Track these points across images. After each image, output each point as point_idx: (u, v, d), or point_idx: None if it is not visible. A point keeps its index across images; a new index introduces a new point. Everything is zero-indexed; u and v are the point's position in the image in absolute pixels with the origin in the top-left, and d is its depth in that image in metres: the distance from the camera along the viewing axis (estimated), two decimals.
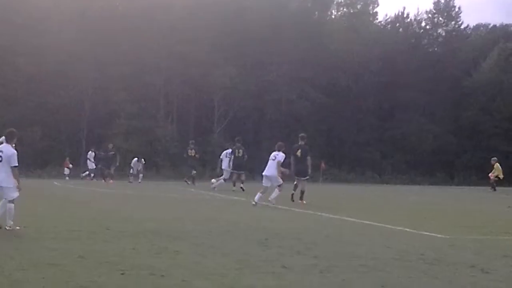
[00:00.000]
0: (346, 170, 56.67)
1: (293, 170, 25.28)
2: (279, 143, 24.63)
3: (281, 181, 23.69)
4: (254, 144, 53.40)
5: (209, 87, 55.34)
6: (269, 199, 23.15)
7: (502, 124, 60.08)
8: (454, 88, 62.62)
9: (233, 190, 32.35)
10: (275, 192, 23.46)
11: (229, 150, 34.48)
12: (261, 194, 23.00)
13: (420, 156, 60.28)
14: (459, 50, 66.15)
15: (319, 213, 20.36)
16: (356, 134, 59.32)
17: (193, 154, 38.26)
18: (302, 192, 24.69)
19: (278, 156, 23.86)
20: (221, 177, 34.18)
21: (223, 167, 34.24)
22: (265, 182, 23.77)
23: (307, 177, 25.42)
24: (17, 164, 13.93)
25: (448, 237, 14.84)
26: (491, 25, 74.63)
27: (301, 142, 25.63)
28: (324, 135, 58.60)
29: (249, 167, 38.70)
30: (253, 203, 22.62)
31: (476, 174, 57.88)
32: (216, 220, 17.38)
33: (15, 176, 14.01)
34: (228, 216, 18.97)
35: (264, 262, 10.64)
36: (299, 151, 25.27)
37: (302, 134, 26.26)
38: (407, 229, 16.10)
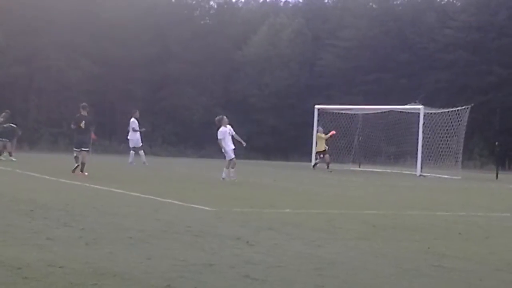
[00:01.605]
0: (117, 141, 56.20)
1: (76, 142, 24.74)
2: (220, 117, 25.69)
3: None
4: (22, 112, 51.91)
5: None
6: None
7: (270, 99, 61.78)
8: (225, 61, 63.40)
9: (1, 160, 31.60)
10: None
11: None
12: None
13: (190, 128, 60.85)
14: (230, 23, 67.11)
15: (88, 185, 20.12)
16: (128, 104, 58.80)
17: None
18: (83, 164, 24.13)
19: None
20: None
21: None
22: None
23: (88, 148, 25.08)
24: None
25: (215, 209, 15.13)
26: None
27: (83, 113, 24.87)
28: (96, 105, 57.74)
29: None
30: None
31: (245, 148, 59.36)
32: None
33: None
34: None
35: (29, 234, 10.41)
36: (84, 122, 24.60)
37: (84, 104, 25.40)
38: (175, 202, 16.27)
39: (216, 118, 25.73)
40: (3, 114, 34.34)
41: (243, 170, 27.28)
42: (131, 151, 33.77)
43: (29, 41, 54.65)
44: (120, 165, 33.56)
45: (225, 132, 25.19)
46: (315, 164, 38.80)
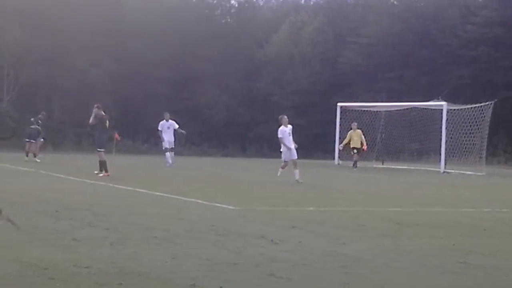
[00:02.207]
0: (140, 141, 56.42)
1: (100, 141, 24.58)
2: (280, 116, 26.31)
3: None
4: (46, 113, 52.04)
5: None
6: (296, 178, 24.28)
7: (292, 97, 61.67)
8: (246, 60, 63.39)
9: (26, 161, 31.80)
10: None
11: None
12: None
13: (213, 127, 60.94)
14: (251, 22, 67.09)
15: (112, 185, 20.19)
16: (151, 104, 59.03)
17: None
18: (105, 163, 24.10)
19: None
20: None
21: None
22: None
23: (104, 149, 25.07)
24: None
25: (239, 208, 15.13)
26: None
27: (102, 112, 24.68)
28: (119, 105, 57.98)
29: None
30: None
31: (268, 147, 59.24)
32: (5, 191, 16.84)
33: None
34: (17, 187, 18.44)
35: (54, 235, 10.46)
36: (108, 122, 24.60)
37: (99, 104, 25.22)
38: (199, 201, 16.28)
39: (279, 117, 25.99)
40: (39, 116, 34.76)
41: (266, 168, 27.28)
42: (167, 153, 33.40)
43: (51, 41, 54.88)
44: (143, 165, 33.63)
45: (285, 132, 25.32)
46: (354, 163, 37.97)
